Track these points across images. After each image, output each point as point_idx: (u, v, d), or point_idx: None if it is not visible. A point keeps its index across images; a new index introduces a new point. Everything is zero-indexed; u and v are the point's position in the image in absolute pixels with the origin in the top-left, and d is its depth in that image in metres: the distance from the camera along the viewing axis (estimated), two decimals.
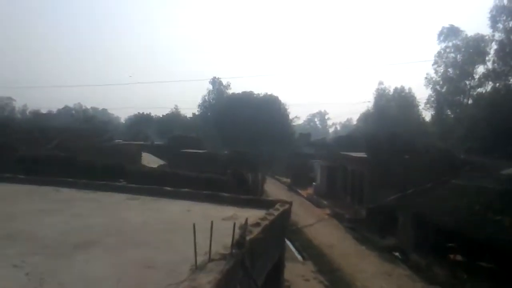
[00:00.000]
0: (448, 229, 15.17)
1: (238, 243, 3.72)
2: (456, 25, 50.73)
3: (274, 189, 39.29)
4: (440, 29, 51.16)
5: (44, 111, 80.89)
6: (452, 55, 50.69)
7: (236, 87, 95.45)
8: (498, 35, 40.95)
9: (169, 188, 8.68)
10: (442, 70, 51.52)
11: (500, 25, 39.68)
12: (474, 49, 47.43)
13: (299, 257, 19.80)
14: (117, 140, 37.57)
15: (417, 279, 16.32)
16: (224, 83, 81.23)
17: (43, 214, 6.33)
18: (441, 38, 50.71)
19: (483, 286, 12.36)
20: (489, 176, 19.01)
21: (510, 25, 38.57)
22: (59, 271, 3.77)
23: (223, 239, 4.02)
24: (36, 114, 71.96)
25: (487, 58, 45.68)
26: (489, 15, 39.94)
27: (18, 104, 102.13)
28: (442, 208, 16.53)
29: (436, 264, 16.02)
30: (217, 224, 3.96)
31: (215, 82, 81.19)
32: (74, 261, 4.12)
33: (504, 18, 38.99)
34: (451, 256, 15.25)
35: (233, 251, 3.66)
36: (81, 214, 6.46)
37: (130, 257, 4.29)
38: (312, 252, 19.89)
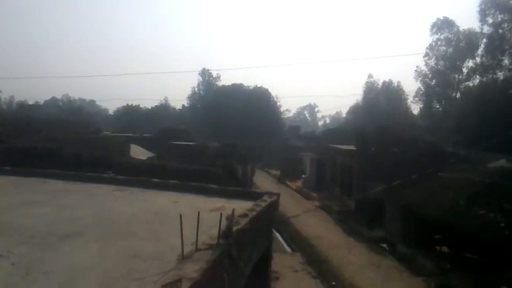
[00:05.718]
0: (435, 221, 15.38)
1: (225, 234, 3.75)
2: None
3: (263, 181, 39.37)
4: (432, 21, 51.15)
5: (31, 102, 79.78)
6: (443, 48, 50.93)
7: (226, 79, 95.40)
8: (487, 29, 40.94)
9: (157, 180, 8.63)
10: (432, 63, 51.81)
11: (489, 19, 39.75)
12: (465, 43, 47.72)
13: (287, 248, 19.92)
14: (105, 132, 37.24)
15: (404, 270, 16.52)
16: (214, 75, 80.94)
17: (30, 205, 6.27)
18: (434, 30, 50.74)
19: (466, 275, 12.59)
20: (475, 169, 19.31)
21: (499, 19, 38.58)
22: (45, 261, 3.76)
23: (210, 230, 4.04)
24: (23, 105, 70.83)
25: (476, 53, 46.00)
26: (478, 9, 39.98)
27: (4, 95, 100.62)
28: (428, 200, 16.75)
29: (423, 256, 16.26)
30: (205, 215, 3.98)
31: (205, 73, 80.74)
32: (61, 251, 4.11)
33: (493, 11, 39.04)
34: (438, 247, 15.47)
35: (220, 241, 3.68)
36: (68, 206, 6.42)
37: (117, 247, 4.29)
38: (300, 244, 20.01)
